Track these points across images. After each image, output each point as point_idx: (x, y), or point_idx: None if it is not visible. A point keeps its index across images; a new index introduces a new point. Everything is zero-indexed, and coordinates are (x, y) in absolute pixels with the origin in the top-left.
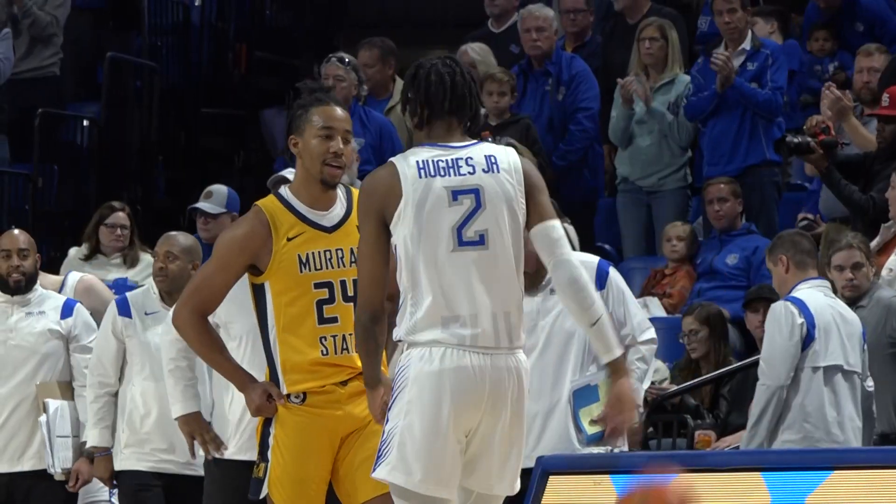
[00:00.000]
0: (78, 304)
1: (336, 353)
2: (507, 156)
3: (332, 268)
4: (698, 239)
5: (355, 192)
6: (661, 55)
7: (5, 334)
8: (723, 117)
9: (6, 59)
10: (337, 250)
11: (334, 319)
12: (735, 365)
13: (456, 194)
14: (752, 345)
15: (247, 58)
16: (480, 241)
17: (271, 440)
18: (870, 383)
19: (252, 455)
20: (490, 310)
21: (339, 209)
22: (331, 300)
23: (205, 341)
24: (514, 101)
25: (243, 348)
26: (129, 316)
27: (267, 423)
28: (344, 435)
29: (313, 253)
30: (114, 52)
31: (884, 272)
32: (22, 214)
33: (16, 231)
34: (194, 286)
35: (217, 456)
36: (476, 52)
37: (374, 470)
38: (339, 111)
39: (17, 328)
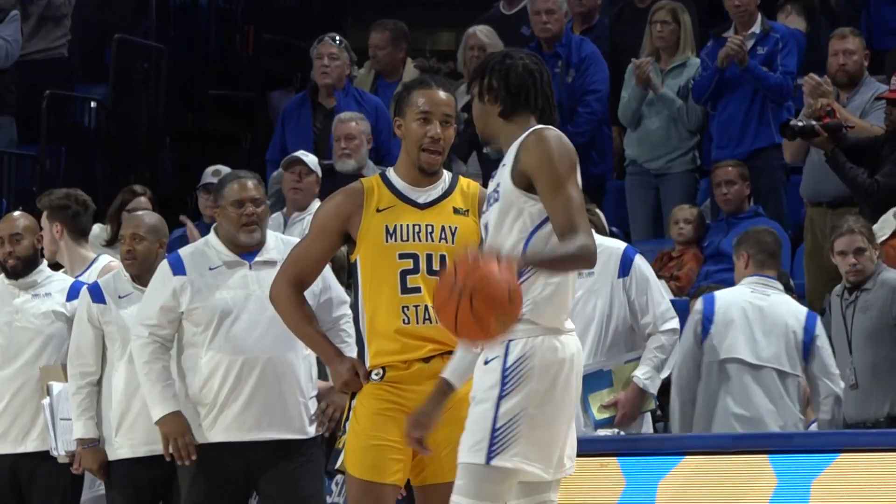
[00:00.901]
0: (84, 287)
1: (418, 323)
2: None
3: (420, 241)
4: (706, 222)
5: (463, 179)
6: (672, 39)
7: (10, 315)
8: (733, 100)
9: (14, 41)
10: (427, 226)
11: (417, 290)
12: None
13: None
14: None
15: (254, 40)
16: None
17: (351, 413)
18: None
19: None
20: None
21: (438, 189)
22: (415, 270)
23: (299, 313)
24: None
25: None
26: (104, 302)
27: (352, 397)
28: None
29: (401, 225)
30: (122, 34)
31: None
32: (29, 196)
33: (15, 214)
34: (293, 257)
35: (186, 464)
36: (485, 34)
37: (490, 459)
38: (441, 94)
39: (22, 309)
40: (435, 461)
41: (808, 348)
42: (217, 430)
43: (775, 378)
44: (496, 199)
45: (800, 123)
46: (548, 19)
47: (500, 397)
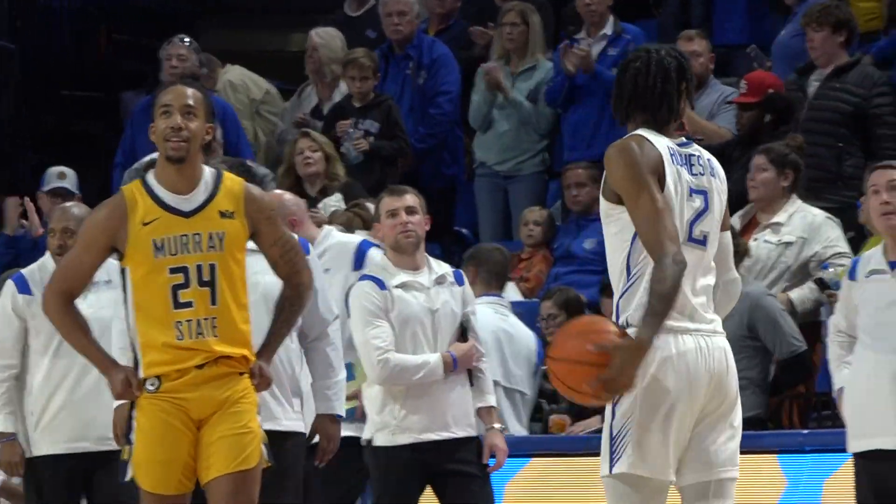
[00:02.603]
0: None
1: (191, 338)
2: (717, 163)
3: (188, 252)
4: (556, 224)
5: (227, 176)
6: (521, 40)
7: None
8: (584, 103)
9: None
10: (194, 235)
11: (189, 304)
12: None
13: (692, 191)
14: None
15: (108, 40)
16: (703, 241)
17: (134, 423)
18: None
19: None
20: (706, 302)
21: (201, 193)
22: (185, 285)
23: (71, 325)
24: (377, 83)
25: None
26: (30, 293)
27: (132, 407)
28: (202, 417)
29: (168, 238)
30: None
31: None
32: None
33: None
34: (62, 270)
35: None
36: (319, 36)
37: (612, 467)
38: (180, 89)
39: None
40: (212, 456)
41: (537, 371)
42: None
43: (518, 400)
44: None
45: None
46: (399, 21)
47: (615, 405)
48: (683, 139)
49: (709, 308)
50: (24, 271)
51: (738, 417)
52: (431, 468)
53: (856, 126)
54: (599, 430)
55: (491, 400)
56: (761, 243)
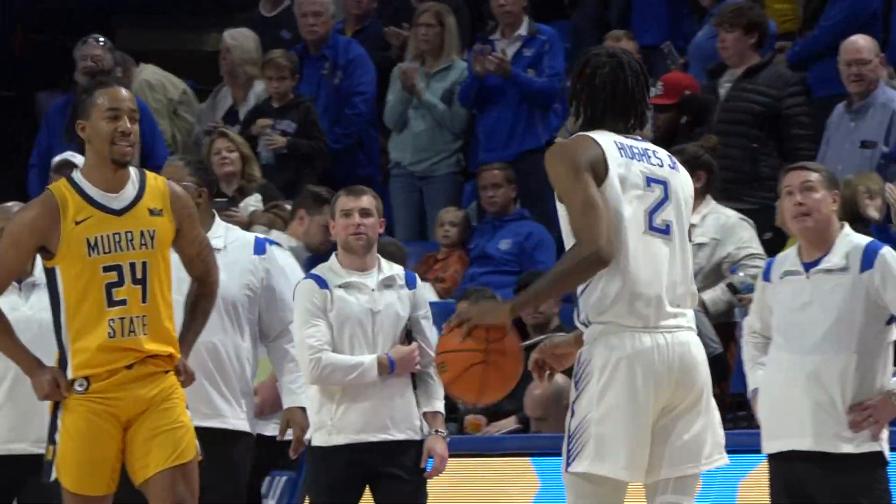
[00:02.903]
0: None
1: (123, 336)
2: (678, 161)
3: (122, 251)
4: (471, 224)
5: (149, 174)
6: (437, 41)
7: None
8: (499, 104)
9: None
10: (126, 233)
11: (123, 302)
12: None
13: (649, 180)
14: (523, 329)
15: (23, 39)
16: (666, 230)
17: (59, 423)
18: None
19: None
20: (673, 292)
21: (130, 191)
22: (120, 283)
23: None
24: (295, 83)
25: None
26: None
27: (56, 407)
28: (130, 417)
29: (102, 236)
30: None
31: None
32: None
33: None
34: None
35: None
36: (232, 37)
37: (569, 466)
38: (123, 92)
39: None
40: (149, 454)
41: None
42: None
43: None
44: None
45: None
46: (314, 22)
47: (573, 403)
48: (637, 137)
49: (681, 300)
50: None
51: (709, 409)
52: (369, 469)
53: (769, 126)
54: (515, 431)
55: (437, 405)
56: None
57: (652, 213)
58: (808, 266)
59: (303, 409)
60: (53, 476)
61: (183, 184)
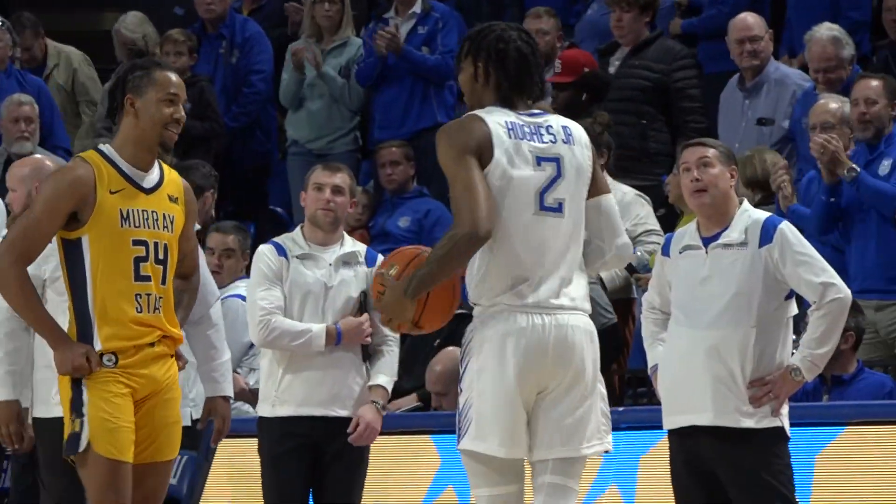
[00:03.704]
0: None
1: (149, 312)
2: (578, 130)
3: (149, 228)
4: (373, 203)
5: (166, 167)
6: (338, 18)
7: None
8: (394, 83)
9: None
10: (153, 212)
11: (148, 278)
12: None
13: (539, 160)
14: None
15: None
16: (559, 208)
17: (86, 396)
18: None
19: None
20: (559, 274)
21: (155, 174)
22: (146, 258)
23: (28, 294)
24: (193, 62)
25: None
26: None
27: (76, 381)
28: (143, 396)
29: (133, 210)
30: None
31: None
32: None
33: None
34: (19, 234)
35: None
36: (124, 25)
37: (459, 443)
38: (177, 78)
39: None
40: (156, 441)
41: None
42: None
43: None
44: None
45: None
46: (212, 1)
47: (460, 381)
48: (535, 110)
49: (568, 281)
50: None
51: (589, 393)
52: (313, 442)
53: (659, 101)
54: (414, 409)
55: (381, 379)
56: (630, 242)
57: (543, 192)
58: (706, 241)
59: (226, 399)
60: (83, 447)
61: None
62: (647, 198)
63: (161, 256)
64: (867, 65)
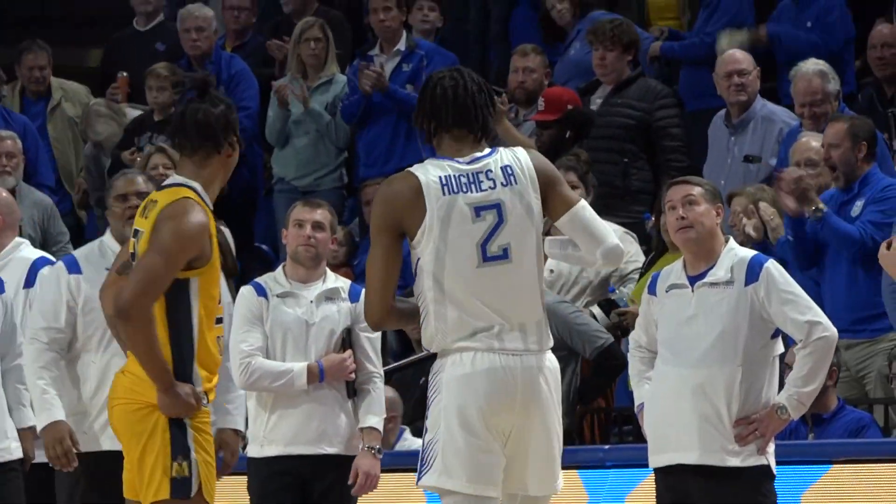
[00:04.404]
0: None
1: (220, 354)
2: (520, 161)
3: None
4: (355, 240)
5: None
6: (323, 55)
7: None
8: (379, 120)
9: None
10: None
11: (221, 321)
12: (392, 365)
13: (479, 210)
14: (407, 344)
15: None
16: (504, 255)
17: (191, 440)
18: None
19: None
20: (517, 320)
21: None
22: (220, 301)
23: (153, 332)
24: (177, 96)
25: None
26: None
27: (177, 422)
28: None
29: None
30: None
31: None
32: None
33: None
34: (151, 278)
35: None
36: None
37: (420, 479)
38: None
39: None
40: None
41: None
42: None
43: None
44: None
45: None
46: (198, 37)
47: (425, 419)
48: (477, 154)
49: (527, 322)
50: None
51: (554, 433)
52: (301, 481)
53: (640, 140)
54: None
55: (371, 420)
56: (617, 241)
57: (485, 244)
58: (692, 280)
59: (236, 432)
60: (194, 491)
61: None
62: (635, 235)
63: None
64: (853, 103)
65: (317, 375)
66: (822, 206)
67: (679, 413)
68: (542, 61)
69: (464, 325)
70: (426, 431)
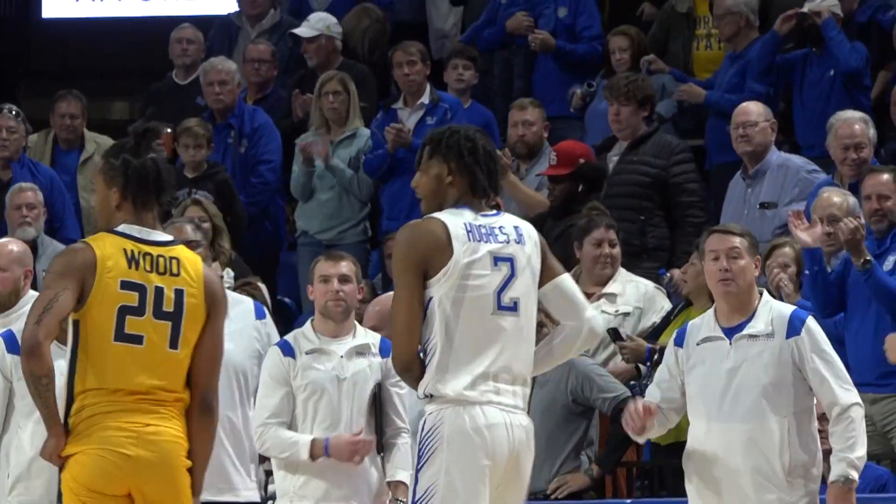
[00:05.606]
0: None
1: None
2: (525, 225)
3: None
4: (378, 293)
5: None
6: (344, 109)
7: None
8: (402, 174)
9: None
10: None
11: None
12: None
13: (497, 260)
14: None
15: None
16: (514, 307)
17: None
18: None
19: None
20: (518, 371)
21: None
22: None
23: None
24: (210, 152)
25: None
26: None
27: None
28: None
29: None
30: None
31: None
32: None
33: None
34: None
35: None
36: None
37: None
38: None
39: None
40: None
41: None
42: None
43: None
44: None
45: None
46: (220, 90)
47: (418, 470)
48: (488, 212)
49: (518, 378)
50: (14, 328)
51: (525, 488)
52: None
53: (657, 196)
54: None
55: (400, 475)
56: (598, 314)
57: (500, 292)
58: (729, 332)
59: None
60: None
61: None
62: (663, 289)
63: None
64: (875, 156)
65: (321, 451)
66: (869, 257)
67: (730, 468)
68: (541, 114)
69: (467, 370)
70: (417, 483)
